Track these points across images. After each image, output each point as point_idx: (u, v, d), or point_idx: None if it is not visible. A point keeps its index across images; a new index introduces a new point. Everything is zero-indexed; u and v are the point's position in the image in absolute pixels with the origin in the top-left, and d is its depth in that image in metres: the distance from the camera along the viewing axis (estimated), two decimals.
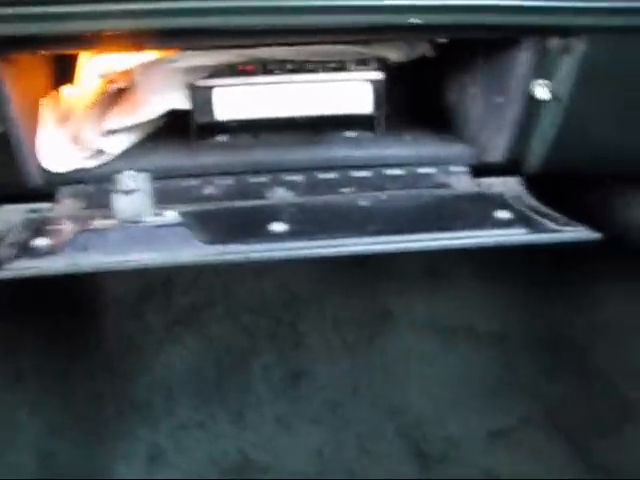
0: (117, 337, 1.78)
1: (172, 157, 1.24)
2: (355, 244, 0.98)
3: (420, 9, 0.98)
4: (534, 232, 1.05)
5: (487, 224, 1.05)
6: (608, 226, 1.17)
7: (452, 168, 1.25)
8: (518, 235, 1.04)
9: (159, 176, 1.18)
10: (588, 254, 1.67)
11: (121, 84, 1.23)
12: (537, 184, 1.26)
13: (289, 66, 1.21)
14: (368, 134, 1.30)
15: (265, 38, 1.07)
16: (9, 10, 0.94)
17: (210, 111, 1.21)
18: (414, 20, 0.98)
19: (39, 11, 0.94)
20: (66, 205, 1.16)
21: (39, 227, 1.08)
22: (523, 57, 1.12)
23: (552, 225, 1.08)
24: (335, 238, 0.99)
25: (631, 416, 1.66)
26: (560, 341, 1.81)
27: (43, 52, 1.09)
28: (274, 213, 1.06)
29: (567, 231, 1.06)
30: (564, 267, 1.76)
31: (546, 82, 1.13)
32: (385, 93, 1.24)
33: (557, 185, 1.32)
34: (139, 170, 1.07)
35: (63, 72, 1.28)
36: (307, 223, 1.04)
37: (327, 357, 1.78)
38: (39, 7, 0.94)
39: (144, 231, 0.98)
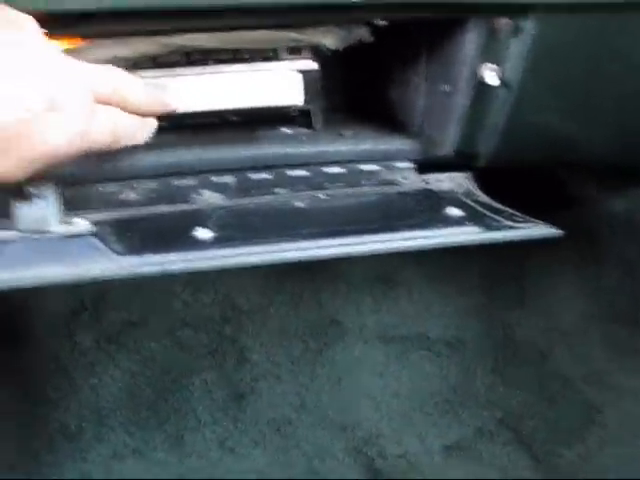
0: (43, 358, 1.65)
1: (84, 160, 1.12)
2: (287, 249, 0.87)
3: None
4: (489, 230, 0.96)
5: (438, 223, 0.95)
6: (562, 223, 1.10)
7: (397, 164, 1.15)
8: (472, 233, 0.94)
9: (72, 181, 1.06)
10: (544, 255, 1.60)
11: None
12: (486, 179, 1.18)
13: (215, 56, 1.10)
14: (304, 130, 1.19)
15: (188, 21, 0.96)
16: None
17: None
18: None
19: None
20: None
21: None
22: (470, 39, 1.03)
23: (508, 222, 0.99)
24: (266, 244, 0.87)
25: (596, 421, 1.59)
26: (518, 346, 1.73)
27: None
28: (198, 218, 0.94)
29: (524, 228, 0.98)
30: (519, 269, 1.69)
31: (495, 67, 1.05)
32: (320, 84, 1.14)
33: (506, 180, 1.24)
34: (49, 175, 0.96)
35: None
36: (235, 228, 0.93)
37: (272, 373, 1.67)
38: None
39: (49, 243, 0.86)
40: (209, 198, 1.04)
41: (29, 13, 0.82)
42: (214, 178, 1.09)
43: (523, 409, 1.65)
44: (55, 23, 0.87)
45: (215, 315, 1.70)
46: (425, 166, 1.17)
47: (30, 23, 0.76)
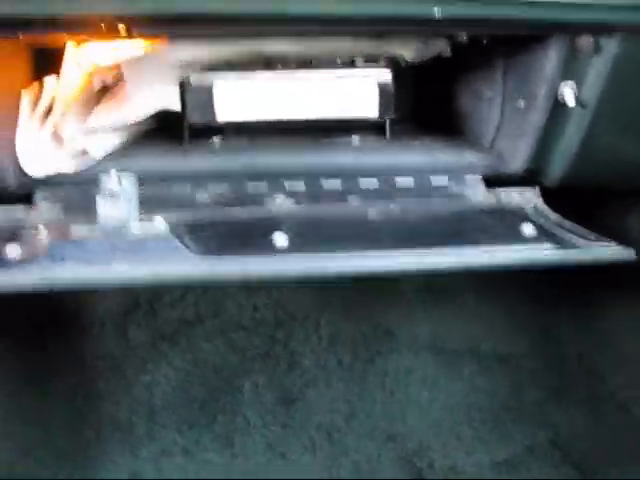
0: (98, 354, 1.66)
1: (161, 159, 1.13)
2: (362, 262, 0.87)
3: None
4: (564, 248, 0.95)
5: (512, 240, 0.95)
6: (626, 243, 1.08)
7: (466, 177, 1.15)
8: (548, 252, 0.94)
9: (147, 180, 1.07)
10: (597, 272, 1.58)
11: (108, 79, 1.12)
12: (552, 195, 1.17)
13: (293, 61, 1.10)
14: (376, 139, 1.19)
15: (270, 28, 0.96)
16: None
17: (207, 111, 1.10)
18: (437, 11, 0.87)
19: None
20: (43, 209, 1.05)
21: (12, 233, 0.96)
22: (550, 57, 1.02)
23: (582, 241, 0.98)
24: (343, 254, 0.88)
25: None
26: (568, 363, 1.71)
27: (23, 36, 0.97)
28: (274, 223, 0.95)
29: (599, 248, 0.97)
30: (571, 284, 1.67)
31: (573, 85, 1.04)
32: (394, 95, 1.14)
33: (572, 197, 1.23)
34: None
35: (47, 62, 1.17)
36: (310, 236, 0.93)
37: (322, 379, 1.67)
38: None
39: (129, 241, 0.87)
40: (282, 203, 1.04)
41: (125, 15, 0.84)
42: (287, 183, 1.09)
43: (575, 429, 1.62)
44: (144, 25, 0.89)
45: (268, 319, 1.70)
46: (494, 180, 1.16)
47: None
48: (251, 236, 0.93)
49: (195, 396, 1.64)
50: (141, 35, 0.95)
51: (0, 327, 1.62)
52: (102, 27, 0.89)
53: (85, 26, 0.89)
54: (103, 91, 1.16)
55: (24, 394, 1.60)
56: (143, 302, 1.70)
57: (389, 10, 0.89)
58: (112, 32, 0.91)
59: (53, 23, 0.89)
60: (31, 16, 0.88)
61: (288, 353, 1.69)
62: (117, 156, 1.12)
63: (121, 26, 0.88)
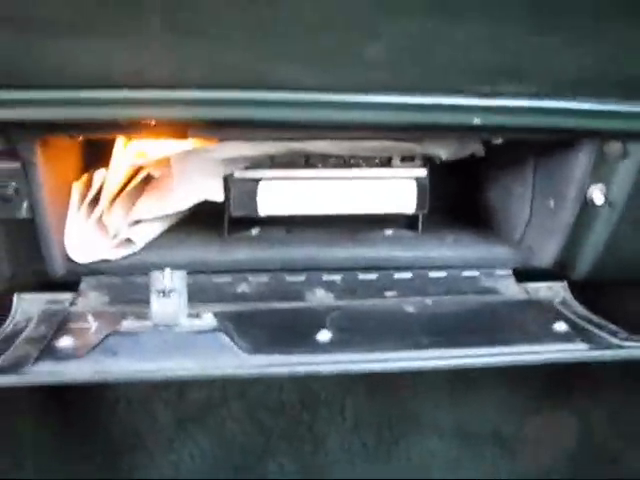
0: (125, 433, 1.68)
1: (202, 250, 1.17)
2: (402, 359, 0.90)
3: (482, 110, 0.93)
4: (596, 348, 0.97)
5: (545, 337, 0.98)
6: None
7: (496, 271, 1.19)
8: (581, 351, 0.96)
9: (189, 270, 1.11)
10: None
11: (155, 171, 1.17)
12: (580, 288, 1.20)
13: (332, 160, 1.16)
14: (409, 233, 1.24)
15: (312, 132, 1.02)
16: (47, 94, 0.89)
17: (250, 205, 1.15)
18: (477, 120, 0.92)
19: (77, 96, 0.89)
20: (90, 298, 1.09)
21: (62, 324, 1.00)
22: (580, 160, 1.07)
23: (613, 340, 1.01)
24: (384, 351, 0.91)
25: None
26: (591, 448, 1.72)
27: (79, 137, 1.03)
28: (317, 319, 0.98)
29: (630, 347, 0.99)
30: (594, 370, 1.68)
31: (602, 187, 1.08)
32: (429, 191, 1.18)
33: (599, 290, 1.26)
34: (167, 265, 1.01)
35: (98, 154, 1.22)
36: (352, 331, 0.96)
37: (346, 461, 1.68)
38: (77, 92, 0.89)
39: (180, 336, 0.90)
40: (322, 297, 1.08)
41: (183, 120, 0.89)
42: (324, 276, 1.13)
43: None
44: (197, 129, 0.93)
45: (293, 400, 1.72)
46: (523, 273, 1.20)
47: None
48: (295, 332, 0.96)
49: (221, 476, 1.65)
50: (194, 137, 0.99)
51: (25, 403, 1.64)
52: (158, 130, 0.94)
53: (141, 129, 0.94)
54: (147, 180, 1.21)
55: (52, 471, 1.62)
56: (171, 382, 1.72)
57: (431, 119, 0.93)
58: (167, 134, 0.96)
59: (112, 126, 0.95)
60: (90, 120, 0.92)
61: (313, 434, 1.71)
62: (158, 245, 1.16)
63: (177, 129, 0.93)
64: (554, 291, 1.19)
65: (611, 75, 0.97)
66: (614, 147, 1.05)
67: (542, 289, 1.19)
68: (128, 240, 1.14)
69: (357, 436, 1.70)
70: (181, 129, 0.92)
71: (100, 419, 1.69)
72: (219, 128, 0.94)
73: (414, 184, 1.16)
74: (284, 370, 0.87)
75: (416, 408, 1.74)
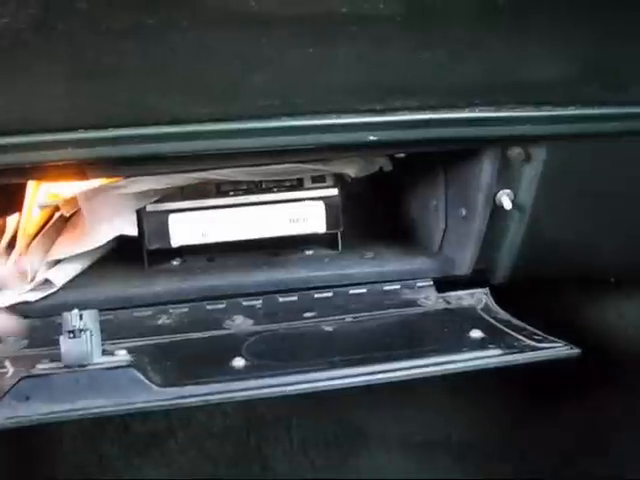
0: (69, 470, 1.66)
1: (122, 285, 1.17)
2: (321, 379, 0.91)
3: (378, 126, 0.94)
4: (511, 352, 0.99)
5: (461, 346, 0.99)
6: (578, 331, 1.13)
7: (417, 283, 1.20)
8: (494, 357, 0.98)
9: (110, 307, 1.11)
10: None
11: (66, 211, 1.17)
12: (502, 292, 1.21)
13: (243, 187, 1.16)
14: (329, 252, 1.25)
15: (220, 162, 1.02)
16: None
17: (164, 236, 1.15)
18: (372, 137, 0.94)
19: None
20: (9, 341, 1.08)
21: None
22: (485, 167, 1.08)
23: (528, 342, 1.02)
24: (299, 373, 0.91)
25: None
26: (542, 451, 1.73)
27: None
28: (233, 346, 0.99)
29: (545, 349, 1.01)
30: (540, 372, 1.70)
31: (509, 191, 1.10)
32: (340, 209, 1.20)
33: (522, 292, 1.28)
34: (87, 302, 1.01)
35: (9, 199, 1.21)
36: (268, 356, 0.97)
37: None
38: None
39: (92, 375, 0.90)
40: (241, 324, 1.08)
41: (88, 159, 0.89)
42: (244, 302, 1.14)
43: None
44: (95, 169, 0.94)
45: (239, 425, 1.72)
46: (445, 283, 1.21)
47: None
48: (210, 361, 0.96)
49: None
50: (94, 177, 0.99)
51: None
52: (57, 173, 0.94)
53: (41, 173, 0.94)
54: (62, 221, 1.21)
55: None
56: (115, 417, 1.71)
57: (326, 139, 0.95)
58: (68, 177, 0.96)
59: (11, 171, 0.94)
60: None
61: (261, 458, 1.70)
62: (78, 284, 1.16)
63: (74, 171, 0.93)
64: (476, 298, 1.20)
65: (502, 83, 0.99)
66: (516, 153, 1.07)
67: (465, 297, 1.20)
68: (47, 281, 1.13)
69: (305, 456, 1.70)
70: (79, 170, 0.92)
71: (45, 457, 1.67)
72: (115, 166, 0.94)
73: (322, 204, 1.17)
74: (196, 400, 0.87)
75: (362, 423, 1.75)
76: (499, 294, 1.21)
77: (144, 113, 0.89)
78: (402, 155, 1.11)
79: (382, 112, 0.94)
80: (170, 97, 0.89)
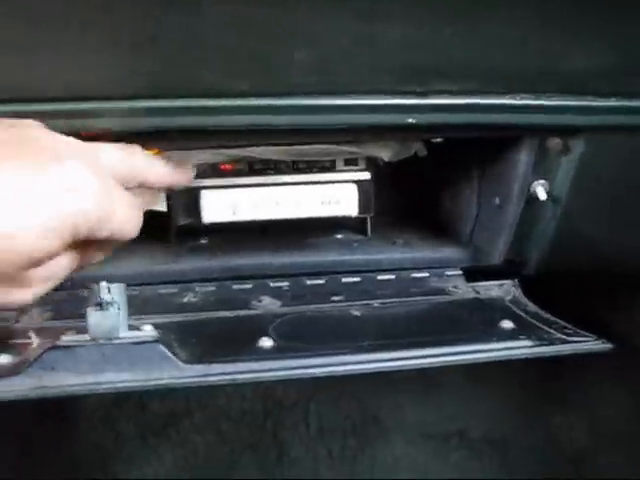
0: (85, 448, 1.66)
1: (148, 261, 1.16)
2: (349, 363, 0.89)
3: (417, 108, 0.93)
4: (541, 344, 0.97)
5: (492, 336, 0.97)
6: (609, 328, 1.11)
7: (446, 272, 1.18)
8: (525, 348, 0.96)
9: (135, 282, 1.10)
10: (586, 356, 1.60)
11: None
12: (532, 285, 1.20)
13: (276, 166, 1.15)
14: (358, 237, 1.24)
15: (254, 139, 1.01)
16: None
17: (195, 213, 1.14)
18: (411, 120, 0.92)
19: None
20: (33, 314, 1.07)
21: (3, 340, 0.98)
22: (522, 157, 1.07)
23: (559, 335, 1.00)
24: (326, 356, 0.90)
25: None
26: (561, 446, 1.72)
27: None
28: (260, 326, 0.97)
29: (576, 342, 0.99)
30: (562, 368, 1.69)
31: (544, 182, 1.08)
32: (373, 194, 1.18)
33: (552, 286, 1.26)
34: (113, 277, 0.99)
35: None
36: (296, 337, 0.95)
37: (312, 469, 1.67)
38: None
39: (118, 349, 0.89)
40: (268, 304, 1.07)
41: (107, 132, 0.88)
42: (271, 283, 1.12)
43: None
44: (136, 140, 0.92)
45: (257, 409, 1.71)
46: (474, 273, 1.20)
47: (34, 122, 0.81)
48: (237, 340, 0.95)
49: None
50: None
51: None
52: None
53: None
54: None
55: None
56: (133, 395, 1.71)
57: (364, 120, 0.93)
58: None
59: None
60: None
61: (277, 443, 1.70)
62: (105, 259, 1.14)
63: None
64: (504, 289, 1.18)
65: (546, 71, 0.97)
66: (554, 143, 1.05)
67: (493, 287, 1.18)
68: None
69: (321, 443, 1.70)
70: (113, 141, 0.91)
71: (61, 436, 1.67)
72: (148, 139, 0.93)
73: (355, 187, 1.15)
74: (222, 378, 0.86)
75: (380, 412, 1.74)
76: (527, 286, 1.20)
77: (179, 85, 0.88)
78: (438, 140, 1.09)
79: (422, 95, 0.92)
80: (206, 70, 0.87)
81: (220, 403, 1.70)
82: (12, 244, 0.73)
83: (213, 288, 1.11)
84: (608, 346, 1.00)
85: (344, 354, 0.92)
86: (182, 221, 1.16)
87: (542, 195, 1.08)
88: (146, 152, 0.93)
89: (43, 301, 1.08)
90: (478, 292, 1.16)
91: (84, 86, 0.85)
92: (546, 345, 0.97)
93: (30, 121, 0.81)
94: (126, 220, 0.86)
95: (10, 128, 0.78)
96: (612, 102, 1.00)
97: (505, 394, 1.78)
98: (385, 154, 1.14)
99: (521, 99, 0.97)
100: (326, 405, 1.72)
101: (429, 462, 1.69)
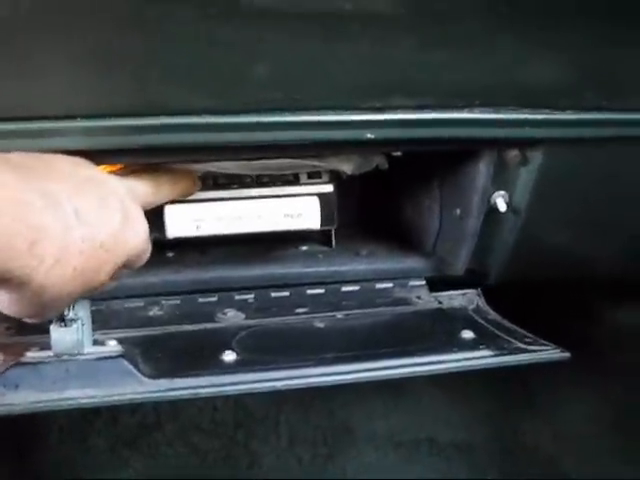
0: (55, 461, 1.66)
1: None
2: (312, 375, 0.91)
3: (376, 124, 0.94)
4: (501, 354, 0.99)
5: (452, 347, 0.99)
6: (569, 335, 1.13)
7: (410, 282, 1.20)
8: (485, 358, 0.98)
9: (101, 297, 1.11)
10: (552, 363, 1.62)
11: None
12: (494, 294, 1.22)
13: (240, 180, 1.16)
14: (322, 249, 1.25)
15: (217, 155, 1.02)
16: None
17: (160, 228, 1.15)
18: (370, 135, 0.94)
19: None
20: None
21: None
22: (482, 169, 1.08)
23: (519, 344, 1.02)
24: (289, 369, 0.91)
25: None
26: (527, 451, 1.74)
27: None
28: (224, 340, 0.98)
29: (535, 351, 1.01)
30: (527, 374, 1.71)
31: (504, 193, 1.10)
32: (336, 206, 1.20)
33: (516, 294, 1.28)
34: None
35: None
36: (259, 350, 0.97)
37: (283, 479, 1.68)
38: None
39: (82, 365, 0.90)
40: (232, 317, 1.08)
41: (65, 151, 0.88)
42: (236, 296, 1.14)
43: None
44: (97, 157, 0.93)
45: (227, 420, 1.72)
46: (437, 283, 1.21)
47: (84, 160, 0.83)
48: (201, 354, 0.96)
49: None
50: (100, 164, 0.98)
51: None
52: None
53: None
54: None
55: None
56: (103, 409, 1.71)
57: (323, 136, 0.94)
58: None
59: None
60: None
61: (248, 454, 1.71)
62: None
63: None
64: (468, 298, 1.20)
65: (504, 84, 0.99)
66: (513, 155, 1.07)
67: (457, 297, 1.20)
68: None
69: (292, 453, 1.71)
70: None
71: (30, 448, 1.67)
72: (110, 157, 0.93)
73: (317, 200, 1.17)
74: (185, 393, 0.87)
75: (350, 421, 1.75)
76: (490, 295, 1.22)
77: (140, 103, 0.88)
78: (399, 154, 1.11)
79: (381, 110, 0.94)
80: (167, 88, 0.88)
81: (191, 414, 1.71)
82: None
83: (178, 301, 1.12)
84: (566, 355, 1.02)
85: (307, 367, 0.93)
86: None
87: (502, 206, 1.10)
88: (107, 168, 0.94)
89: (7, 316, 1.09)
90: (441, 302, 1.18)
91: (43, 105, 0.86)
92: (505, 355, 0.99)
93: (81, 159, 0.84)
94: (148, 250, 0.89)
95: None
96: (569, 115, 1.03)
97: (473, 401, 1.80)
98: (347, 167, 1.15)
99: (479, 113, 0.99)
100: (296, 415, 1.73)
101: (399, 469, 1.70)
